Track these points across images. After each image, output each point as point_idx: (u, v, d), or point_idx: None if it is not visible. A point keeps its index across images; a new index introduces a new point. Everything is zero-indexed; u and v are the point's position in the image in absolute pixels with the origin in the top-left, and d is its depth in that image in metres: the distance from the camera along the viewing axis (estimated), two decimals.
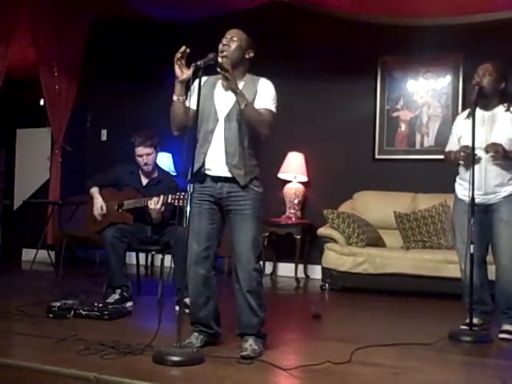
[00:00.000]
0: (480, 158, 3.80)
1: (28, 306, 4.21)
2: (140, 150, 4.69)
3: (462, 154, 3.84)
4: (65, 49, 6.67)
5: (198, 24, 6.16)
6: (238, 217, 3.22)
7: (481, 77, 3.84)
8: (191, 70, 3.11)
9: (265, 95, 3.24)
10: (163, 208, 4.47)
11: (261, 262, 3.35)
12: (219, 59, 3.11)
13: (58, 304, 4.04)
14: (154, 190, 4.64)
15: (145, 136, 4.71)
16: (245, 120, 3.15)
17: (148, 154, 4.69)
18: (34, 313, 4.04)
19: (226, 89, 3.24)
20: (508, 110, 3.85)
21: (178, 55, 3.13)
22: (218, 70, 3.10)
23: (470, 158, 3.77)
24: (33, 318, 3.92)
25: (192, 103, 3.21)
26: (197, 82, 3.15)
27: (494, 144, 3.74)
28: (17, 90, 7.17)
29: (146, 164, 4.71)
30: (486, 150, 3.77)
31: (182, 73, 3.14)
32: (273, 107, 3.25)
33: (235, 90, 3.10)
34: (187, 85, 3.20)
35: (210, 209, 3.26)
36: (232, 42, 3.22)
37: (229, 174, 3.20)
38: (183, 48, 3.13)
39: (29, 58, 6.52)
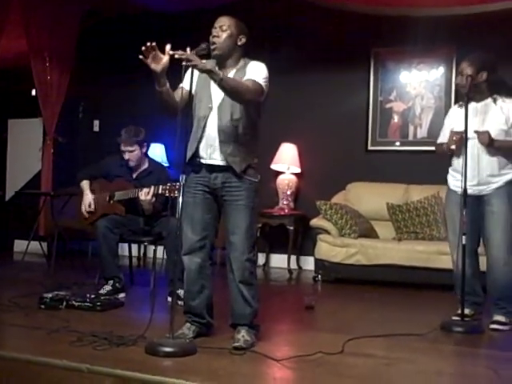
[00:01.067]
0: (474, 147, 3.81)
1: (20, 297, 4.20)
2: (123, 147, 4.69)
3: (454, 138, 3.84)
4: (57, 40, 6.60)
5: (192, 15, 6.13)
6: (232, 207, 3.21)
7: (462, 77, 3.87)
8: (166, 54, 3.03)
9: (254, 72, 3.19)
10: (154, 199, 4.46)
11: (255, 252, 3.31)
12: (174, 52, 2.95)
13: (50, 295, 4.03)
14: (145, 181, 4.63)
15: (130, 133, 4.67)
16: (224, 93, 3.09)
17: (130, 152, 4.68)
18: (26, 304, 4.03)
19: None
20: (494, 102, 3.86)
21: (141, 57, 3.01)
22: (184, 64, 2.95)
23: (462, 142, 3.77)
24: (25, 310, 3.90)
25: (185, 84, 3.18)
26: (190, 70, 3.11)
27: (484, 132, 3.76)
28: (8, 80, 7.12)
29: (128, 160, 4.71)
30: (477, 133, 3.77)
31: (158, 64, 3.05)
32: (261, 81, 3.16)
33: (204, 69, 2.98)
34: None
35: (204, 199, 3.26)
36: (222, 32, 3.18)
37: (223, 163, 3.18)
38: (147, 45, 3.00)
39: (21, 48, 6.46)
